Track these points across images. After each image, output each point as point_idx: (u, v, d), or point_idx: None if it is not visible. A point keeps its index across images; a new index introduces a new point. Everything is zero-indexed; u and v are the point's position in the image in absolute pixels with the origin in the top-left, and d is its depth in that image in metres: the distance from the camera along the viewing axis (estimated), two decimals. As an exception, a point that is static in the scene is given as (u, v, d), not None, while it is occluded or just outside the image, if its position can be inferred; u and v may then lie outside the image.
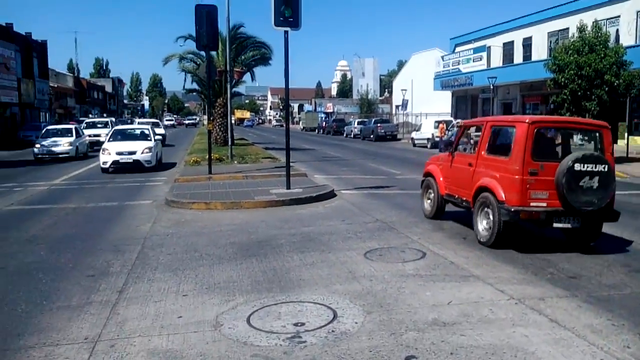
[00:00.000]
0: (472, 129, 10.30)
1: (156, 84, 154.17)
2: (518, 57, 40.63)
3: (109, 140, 20.42)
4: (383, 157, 27.20)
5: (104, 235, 9.42)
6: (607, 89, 20.92)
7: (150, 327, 5.24)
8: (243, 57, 29.91)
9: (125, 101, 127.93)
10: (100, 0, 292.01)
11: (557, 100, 22.56)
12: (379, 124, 46.48)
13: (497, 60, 42.81)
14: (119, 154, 19.02)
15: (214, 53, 23.49)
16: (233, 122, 27.67)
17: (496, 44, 42.91)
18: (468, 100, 47.36)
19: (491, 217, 8.23)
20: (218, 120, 29.65)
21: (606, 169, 7.62)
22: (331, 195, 13.46)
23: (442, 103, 52.20)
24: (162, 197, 13.38)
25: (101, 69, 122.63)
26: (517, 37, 40.82)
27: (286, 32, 12.68)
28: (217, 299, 6.00)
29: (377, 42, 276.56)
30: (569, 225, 7.94)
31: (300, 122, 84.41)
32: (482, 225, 8.53)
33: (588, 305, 5.79)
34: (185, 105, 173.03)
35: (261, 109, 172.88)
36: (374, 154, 29.42)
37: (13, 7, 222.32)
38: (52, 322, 5.44)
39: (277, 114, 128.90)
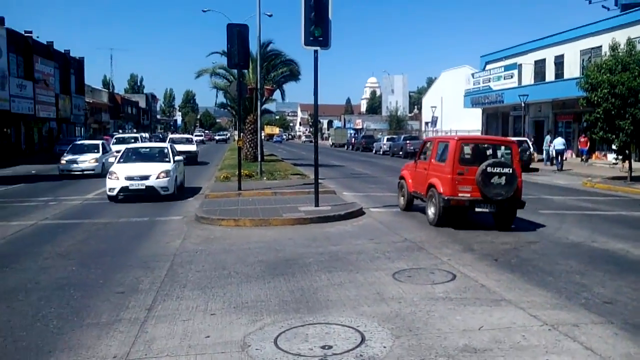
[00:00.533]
0: (429, 144, 13.83)
1: (189, 99, 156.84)
2: (550, 75, 40.14)
3: (118, 162, 17.26)
4: (412, 174, 26.96)
5: (134, 251, 9.54)
6: (641, 107, 20.47)
7: (177, 347, 5.25)
8: (273, 74, 30.15)
9: (159, 116, 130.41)
10: (137, 18, 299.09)
11: (590, 119, 22.17)
12: (408, 141, 46.25)
13: (528, 77, 42.35)
14: (128, 178, 15.84)
15: (244, 70, 23.74)
16: (263, 137, 27.84)
17: (527, 62, 42.49)
18: (499, 117, 46.91)
19: (435, 204, 11.60)
20: (248, 137, 29.96)
21: (511, 171, 11.04)
22: (359, 213, 13.40)
23: (472, 120, 51.81)
24: (193, 213, 13.49)
25: (135, 85, 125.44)
26: (548, 54, 40.37)
27: (316, 51, 12.75)
28: (245, 319, 6.00)
29: (407, 59, 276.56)
30: (486, 210, 11.34)
31: (330, 138, 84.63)
32: (431, 210, 11.93)
33: (624, 332, 5.61)
34: (217, 120, 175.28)
35: (291, 124, 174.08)
36: (403, 171, 29.22)
37: (54, 25, 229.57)
38: (82, 339, 5.50)
39: (306, 129, 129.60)
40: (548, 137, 33.43)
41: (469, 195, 11.25)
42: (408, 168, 14.30)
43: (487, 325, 5.76)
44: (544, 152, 32.71)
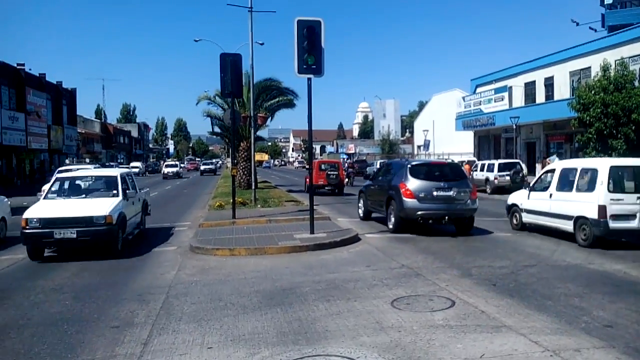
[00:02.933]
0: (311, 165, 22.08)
1: (181, 128, 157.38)
2: (540, 97, 40.51)
3: None
4: (406, 198, 26.96)
5: (128, 284, 9.40)
6: (633, 127, 20.63)
7: (174, 383, 5.13)
8: (267, 103, 30.26)
9: (151, 145, 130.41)
10: (128, 48, 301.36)
11: (583, 139, 22.33)
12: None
13: (518, 100, 42.73)
14: None
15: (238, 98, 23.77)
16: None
17: (517, 84, 42.91)
18: (491, 140, 47.17)
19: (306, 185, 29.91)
20: (241, 164, 29.96)
21: (337, 173, 29.47)
22: (355, 239, 13.33)
23: (464, 143, 52.11)
24: (187, 242, 13.37)
25: (128, 114, 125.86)
26: (538, 76, 40.80)
27: (309, 79, 12.80)
28: (243, 352, 5.89)
29: (398, 83, 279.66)
30: (329, 188, 29.39)
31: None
32: (306, 187, 30.15)
33: (627, 357, 5.56)
34: (210, 148, 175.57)
35: (283, 150, 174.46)
36: (397, 195, 29.22)
37: (46, 57, 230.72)
38: (77, 377, 5.36)
39: (299, 155, 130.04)
40: (554, 158, 33.40)
41: (322, 182, 28.31)
42: (306, 176, 28.83)
43: (488, 353, 5.68)
44: None
